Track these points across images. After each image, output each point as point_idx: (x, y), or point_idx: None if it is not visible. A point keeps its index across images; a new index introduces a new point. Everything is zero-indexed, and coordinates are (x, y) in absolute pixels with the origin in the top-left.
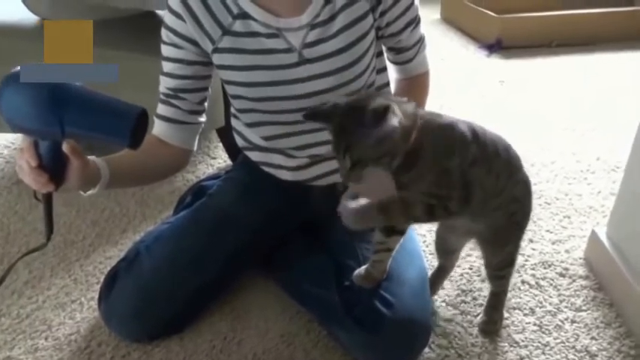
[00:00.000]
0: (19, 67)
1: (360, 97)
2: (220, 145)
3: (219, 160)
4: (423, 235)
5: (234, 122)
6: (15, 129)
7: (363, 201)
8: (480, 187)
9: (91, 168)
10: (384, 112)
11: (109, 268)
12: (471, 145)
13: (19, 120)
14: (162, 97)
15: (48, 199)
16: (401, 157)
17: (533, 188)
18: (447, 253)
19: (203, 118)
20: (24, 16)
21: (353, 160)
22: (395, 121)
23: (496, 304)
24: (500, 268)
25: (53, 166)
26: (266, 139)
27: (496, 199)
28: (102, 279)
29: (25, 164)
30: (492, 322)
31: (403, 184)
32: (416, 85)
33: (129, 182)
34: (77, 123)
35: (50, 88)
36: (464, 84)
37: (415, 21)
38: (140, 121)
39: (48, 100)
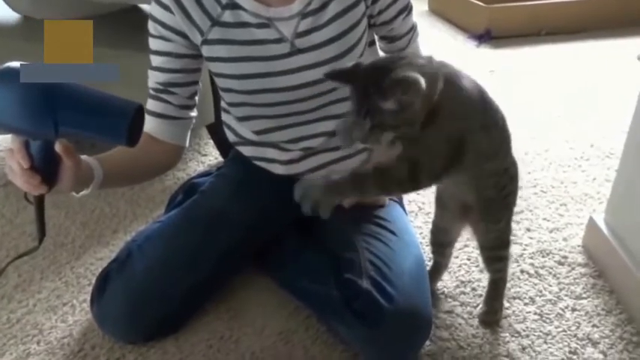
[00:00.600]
0: (6, 65)
1: (386, 61)
2: (211, 141)
3: (210, 157)
4: (419, 227)
5: (224, 117)
6: (4, 129)
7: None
8: (475, 151)
9: (84, 168)
10: (406, 84)
11: (100, 270)
12: (479, 113)
13: (9, 120)
14: (151, 92)
15: (39, 202)
16: (419, 124)
17: (528, 177)
18: (442, 245)
19: (194, 113)
20: (4, 13)
21: (373, 124)
22: (415, 95)
23: (495, 293)
24: (494, 247)
25: (46, 167)
26: (258, 132)
27: (491, 162)
28: (93, 281)
29: (16, 166)
30: (493, 313)
31: (414, 141)
32: None
33: (121, 181)
34: (71, 122)
35: (42, 85)
36: None
37: (407, 9)
38: (137, 118)
39: (41, 98)
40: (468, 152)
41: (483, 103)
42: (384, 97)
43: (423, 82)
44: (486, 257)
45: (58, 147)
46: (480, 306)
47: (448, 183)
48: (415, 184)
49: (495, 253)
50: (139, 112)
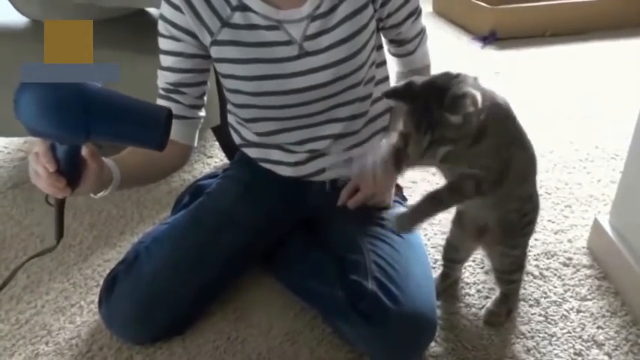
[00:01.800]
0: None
1: (442, 79)
2: (216, 143)
3: (216, 159)
4: (423, 229)
5: (230, 119)
6: (34, 134)
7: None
8: (514, 169)
9: (105, 170)
10: (470, 99)
11: (107, 271)
12: (515, 127)
13: (41, 125)
14: (162, 92)
15: (61, 204)
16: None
17: None
18: (453, 261)
19: (203, 113)
20: (13, 17)
21: (433, 139)
22: (472, 109)
23: (505, 300)
24: (509, 271)
25: (71, 171)
26: (264, 134)
27: (522, 188)
28: (101, 282)
29: (41, 169)
30: (498, 315)
31: (468, 158)
32: None
33: (135, 182)
34: (104, 130)
35: (76, 92)
36: None
37: (416, 12)
38: (167, 124)
39: (74, 105)
40: (510, 170)
41: (515, 120)
42: (452, 111)
43: (480, 97)
44: (499, 279)
45: (84, 151)
46: (487, 306)
47: (481, 203)
48: (483, 194)
49: (509, 276)
50: (169, 117)
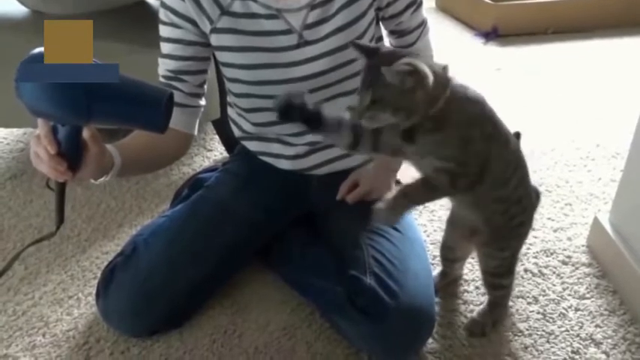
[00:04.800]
0: (38, 50)
1: (404, 52)
2: (216, 137)
3: (216, 152)
4: (423, 225)
5: (230, 112)
6: (35, 114)
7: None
8: (493, 167)
9: (107, 155)
10: (414, 68)
11: (105, 263)
12: (489, 123)
13: (42, 105)
14: (162, 79)
15: (62, 188)
16: (423, 119)
17: (534, 176)
18: (449, 260)
19: (203, 102)
20: (12, 7)
21: (373, 97)
22: (419, 83)
23: (490, 311)
24: (496, 274)
25: (72, 153)
26: (263, 125)
27: (501, 189)
28: (99, 274)
29: (42, 152)
30: (481, 325)
31: (427, 147)
32: None
33: (135, 169)
34: (106, 111)
35: None
36: (460, 72)
37: (416, 3)
38: (168, 106)
39: (76, 85)
40: (489, 169)
41: (491, 115)
42: (391, 67)
43: (430, 76)
44: (486, 281)
45: (85, 133)
46: (472, 315)
47: (462, 203)
48: (458, 190)
49: (495, 280)
50: (170, 99)
